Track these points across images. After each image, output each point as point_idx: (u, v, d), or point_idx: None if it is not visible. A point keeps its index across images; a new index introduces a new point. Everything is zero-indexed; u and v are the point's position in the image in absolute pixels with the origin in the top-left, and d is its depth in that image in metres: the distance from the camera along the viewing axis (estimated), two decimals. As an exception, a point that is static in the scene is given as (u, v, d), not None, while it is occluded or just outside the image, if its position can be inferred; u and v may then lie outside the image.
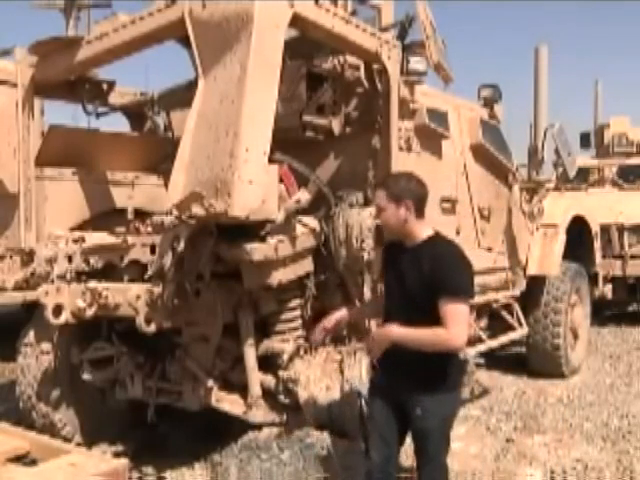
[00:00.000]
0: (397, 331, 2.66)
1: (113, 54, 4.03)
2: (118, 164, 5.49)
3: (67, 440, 4.17)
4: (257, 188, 3.10)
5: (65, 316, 3.66)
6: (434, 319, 2.59)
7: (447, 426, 2.80)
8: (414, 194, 2.74)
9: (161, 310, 3.35)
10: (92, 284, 3.66)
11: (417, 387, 2.70)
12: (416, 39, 4.26)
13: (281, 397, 3.75)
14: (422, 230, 2.76)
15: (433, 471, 2.78)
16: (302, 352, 3.81)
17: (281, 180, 3.52)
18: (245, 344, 3.69)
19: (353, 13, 4.23)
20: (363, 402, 3.33)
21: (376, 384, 3.01)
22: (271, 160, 3.26)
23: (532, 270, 6.17)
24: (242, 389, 3.78)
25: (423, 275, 2.64)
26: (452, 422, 2.85)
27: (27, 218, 4.34)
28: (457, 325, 2.56)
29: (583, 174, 10.25)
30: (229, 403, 3.80)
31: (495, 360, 6.80)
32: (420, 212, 2.76)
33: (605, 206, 8.97)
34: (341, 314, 3.19)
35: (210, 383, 3.76)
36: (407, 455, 3.34)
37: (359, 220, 3.77)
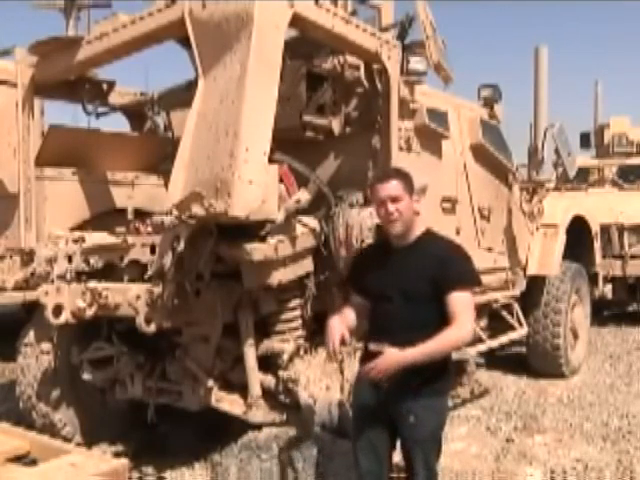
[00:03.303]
0: (410, 353, 2.49)
1: (113, 54, 4.03)
2: (118, 164, 5.49)
3: (67, 440, 4.17)
4: (257, 188, 3.10)
5: (65, 316, 3.66)
6: (436, 312, 2.58)
7: (439, 433, 2.73)
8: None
9: (161, 310, 3.35)
10: (92, 284, 3.66)
11: (409, 394, 2.60)
12: (416, 39, 4.26)
13: (281, 397, 3.75)
14: (419, 225, 2.76)
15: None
16: (302, 352, 3.81)
17: (281, 180, 3.51)
18: (245, 344, 3.68)
19: (353, 13, 4.22)
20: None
21: (361, 394, 2.83)
22: (271, 160, 3.26)
23: (532, 270, 6.18)
24: (242, 389, 3.78)
25: (428, 270, 2.59)
26: (443, 428, 2.78)
27: (27, 218, 4.34)
28: (468, 318, 2.57)
29: (583, 174, 10.25)
30: (229, 403, 3.79)
31: (495, 360, 6.79)
32: None
33: (605, 206, 8.96)
34: (341, 330, 2.74)
35: (210, 383, 3.76)
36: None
37: (359, 220, 3.76)
